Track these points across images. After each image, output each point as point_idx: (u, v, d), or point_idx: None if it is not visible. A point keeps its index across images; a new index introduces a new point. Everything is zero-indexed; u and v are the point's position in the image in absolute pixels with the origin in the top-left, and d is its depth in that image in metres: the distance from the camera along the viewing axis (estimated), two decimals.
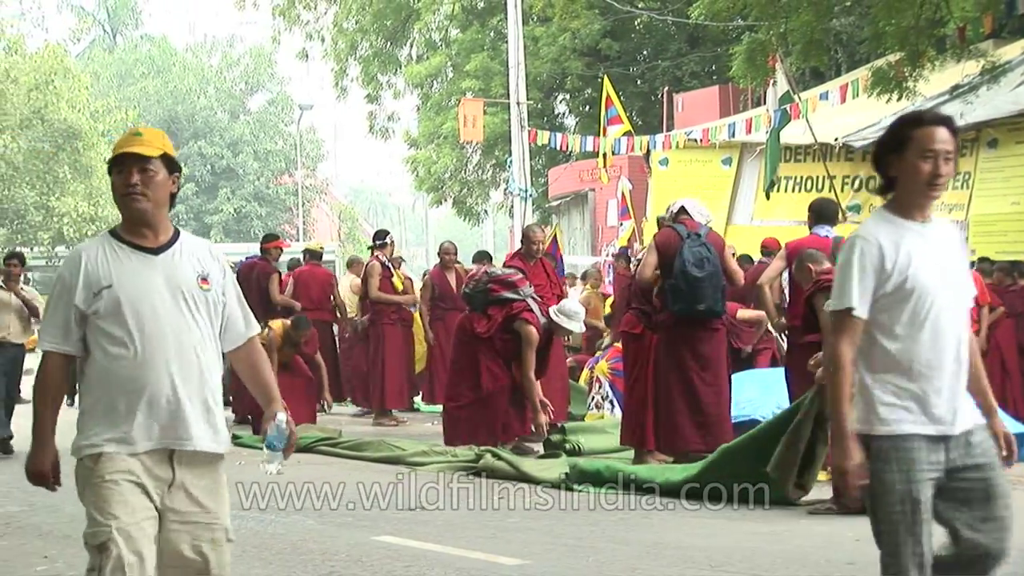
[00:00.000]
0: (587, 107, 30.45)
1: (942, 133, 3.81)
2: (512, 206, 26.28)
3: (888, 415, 3.76)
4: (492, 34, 31.05)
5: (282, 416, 4.08)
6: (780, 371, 10.54)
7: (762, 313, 11.58)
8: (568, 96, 31.95)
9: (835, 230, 9.56)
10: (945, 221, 4.10)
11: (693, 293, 9.32)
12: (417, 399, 14.98)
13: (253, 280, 13.54)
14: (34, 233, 35.26)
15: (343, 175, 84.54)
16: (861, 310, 3.78)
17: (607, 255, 20.41)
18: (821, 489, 8.03)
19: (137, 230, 4.00)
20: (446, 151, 31.66)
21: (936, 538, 3.84)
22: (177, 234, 4.06)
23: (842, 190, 17.91)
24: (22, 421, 12.04)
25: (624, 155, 21.75)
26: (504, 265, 11.70)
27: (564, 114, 33.45)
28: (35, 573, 6.64)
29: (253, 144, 50.91)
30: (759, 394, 10.35)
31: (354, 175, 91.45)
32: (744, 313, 12.13)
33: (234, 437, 9.40)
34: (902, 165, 3.84)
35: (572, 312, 10.80)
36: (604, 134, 19.39)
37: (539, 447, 10.46)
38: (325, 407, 13.23)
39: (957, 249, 3.99)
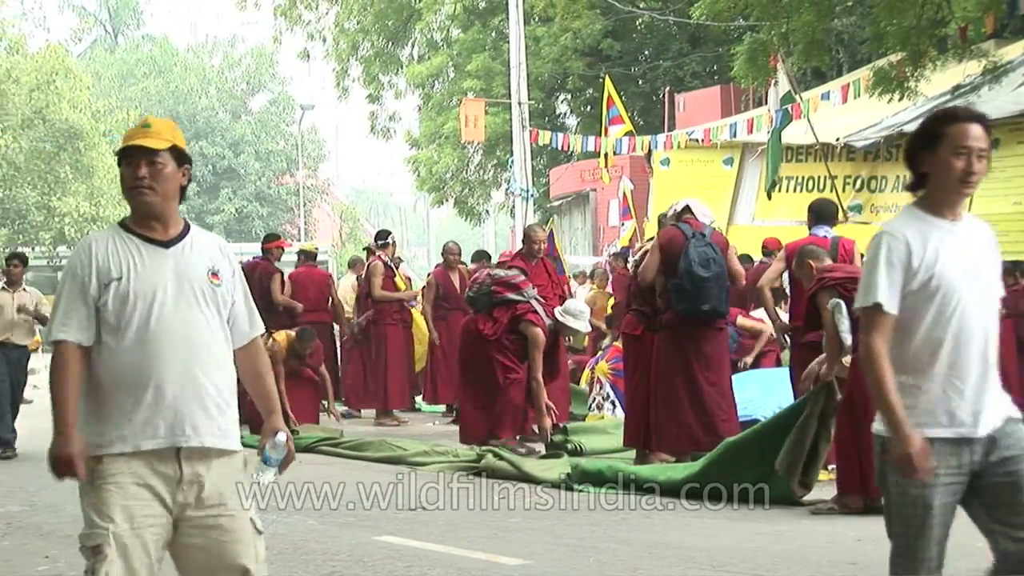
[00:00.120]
0: (588, 107, 30.45)
1: (976, 130, 3.74)
2: (513, 206, 26.33)
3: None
4: (493, 34, 31.06)
5: (282, 437, 3.99)
6: (780, 371, 10.58)
7: (763, 324, 11.58)
8: (569, 96, 31.95)
9: (834, 230, 9.57)
10: (977, 219, 4.01)
11: (698, 294, 9.29)
12: (418, 399, 15.00)
13: (255, 280, 13.52)
14: (35, 233, 35.27)
15: (344, 175, 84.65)
16: (890, 305, 3.70)
17: (608, 255, 20.41)
18: (822, 489, 8.03)
19: (146, 223, 3.91)
20: (447, 151, 31.66)
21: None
22: (187, 227, 3.98)
23: (843, 190, 17.92)
24: (24, 421, 12.09)
25: (625, 155, 21.78)
26: (506, 265, 11.69)
27: (565, 114, 33.45)
28: (37, 573, 6.64)
29: (255, 144, 50.93)
30: (760, 394, 10.36)
31: (355, 175, 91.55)
32: (745, 321, 12.05)
33: None
34: (934, 161, 3.76)
35: (577, 312, 10.81)
36: (605, 134, 19.42)
37: (541, 447, 10.47)
38: (331, 418, 13.17)
39: (989, 248, 3.91)
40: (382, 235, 14.54)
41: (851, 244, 9.37)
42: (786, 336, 9.91)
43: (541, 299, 10.82)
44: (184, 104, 50.75)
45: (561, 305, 11.00)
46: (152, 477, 3.77)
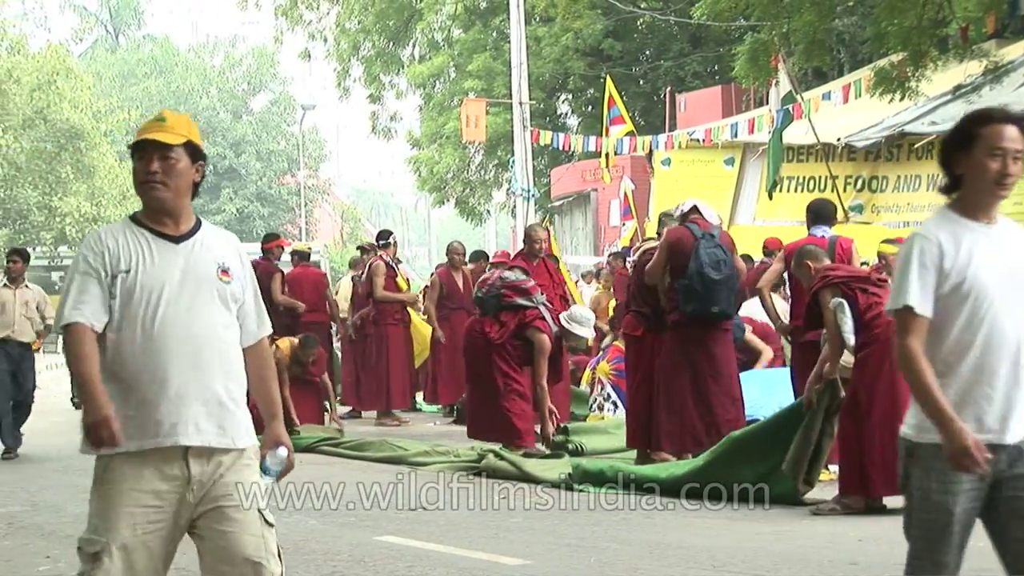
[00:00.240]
0: (589, 107, 30.45)
1: (1011, 131, 3.68)
2: (514, 206, 26.34)
3: (932, 424, 3.64)
4: (495, 34, 31.07)
5: (283, 452, 3.96)
6: (781, 371, 10.56)
7: (766, 347, 11.54)
8: (570, 96, 31.95)
9: (833, 230, 9.56)
10: (1013, 222, 3.96)
11: (709, 295, 9.22)
12: (418, 398, 15.00)
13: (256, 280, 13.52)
14: (36, 233, 35.30)
15: (346, 175, 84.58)
16: (922, 308, 3.63)
17: (607, 255, 20.41)
18: (823, 489, 8.03)
19: (157, 218, 3.86)
20: (448, 151, 31.66)
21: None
22: (199, 224, 3.93)
23: (844, 190, 17.93)
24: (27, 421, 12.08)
25: (626, 155, 21.76)
26: (505, 265, 11.68)
27: (566, 114, 33.45)
28: (38, 573, 6.64)
29: (256, 144, 50.97)
30: (761, 394, 10.34)
31: (357, 175, 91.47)
32: (752, 338, 11.79)
33: None
34: (969, 163, 3.70)
35: (583, 318, 10.81)
36: (606, 134, 19.42)
37: (542, 448, 10.46)
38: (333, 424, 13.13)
39: None
40: (383, 235, 14.54)
41: (849, 244, 9.36)
42: (787, 337, 9.90)
43: (549, 305, 10.79)
44: (185, 104, 50.70)
45: (563, 307, 10.99)
46: (160, 482, 3.74)
